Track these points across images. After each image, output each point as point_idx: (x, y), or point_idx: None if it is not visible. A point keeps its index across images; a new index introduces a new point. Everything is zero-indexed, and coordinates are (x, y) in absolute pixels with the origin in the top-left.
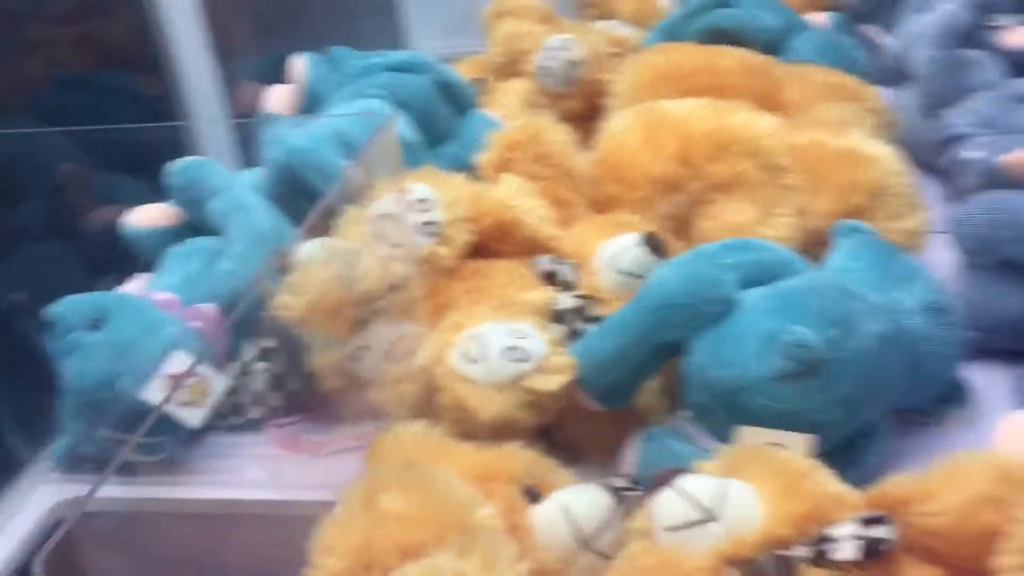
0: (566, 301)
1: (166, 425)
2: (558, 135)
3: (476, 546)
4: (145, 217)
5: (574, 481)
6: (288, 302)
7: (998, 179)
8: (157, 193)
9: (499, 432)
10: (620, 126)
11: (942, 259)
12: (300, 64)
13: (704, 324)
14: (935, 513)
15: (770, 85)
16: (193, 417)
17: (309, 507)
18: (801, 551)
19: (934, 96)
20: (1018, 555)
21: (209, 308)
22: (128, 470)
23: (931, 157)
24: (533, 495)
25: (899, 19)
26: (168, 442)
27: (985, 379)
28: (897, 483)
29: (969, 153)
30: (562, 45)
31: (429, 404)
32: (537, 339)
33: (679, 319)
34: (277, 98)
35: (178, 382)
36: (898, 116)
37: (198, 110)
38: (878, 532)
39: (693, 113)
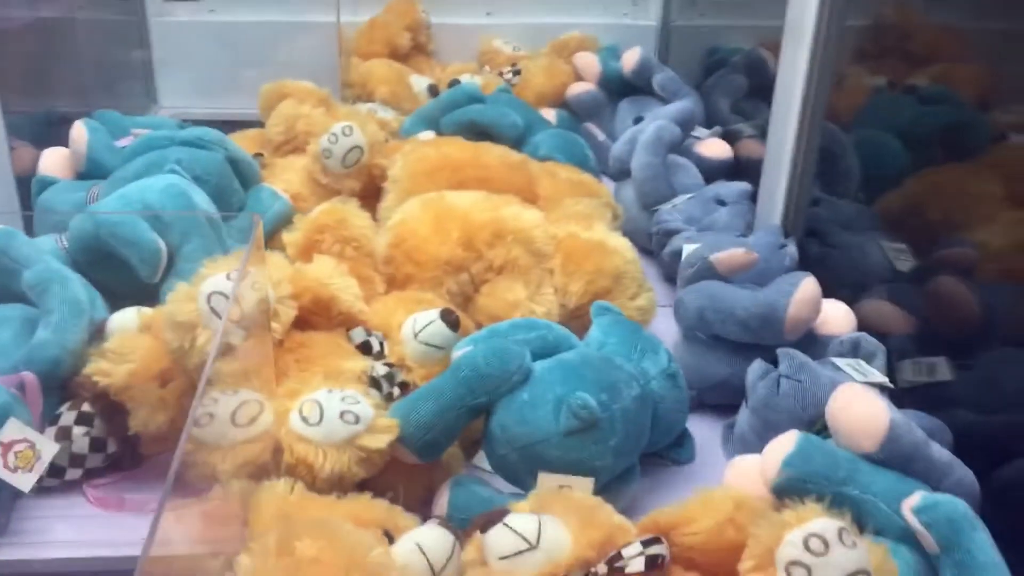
0: (379, 369)
1: None
2: (361, 219)
3: None
4: None
5: (417, 524)
6: (106, 369)
7: (709, 271)
8: None
9: (335, 485)
10: (410, 214)
11: (663, 329)
12: (80, 129)
13: (507, 391)
14: (694, 533)
15: (527, 180)
16: (24, 482)
17: (125, 562)
18: (602, 568)
19: (648, 195)
20: (754, 560)
21: (28, 375)
22: None
23: (647, 243)
24: (390, 537)
25: (612, 120)
26: None
27: (701, 428)
28: (663, 512)
29: (686, 247)
30: (344, 131)
31: (267, 464)
32: (365, 404)
33: (487, 387)
34: (52, 161)
35: (10, 449)
36: (621, 209)
37: None
38: (656, 550)
39: (474, 206)
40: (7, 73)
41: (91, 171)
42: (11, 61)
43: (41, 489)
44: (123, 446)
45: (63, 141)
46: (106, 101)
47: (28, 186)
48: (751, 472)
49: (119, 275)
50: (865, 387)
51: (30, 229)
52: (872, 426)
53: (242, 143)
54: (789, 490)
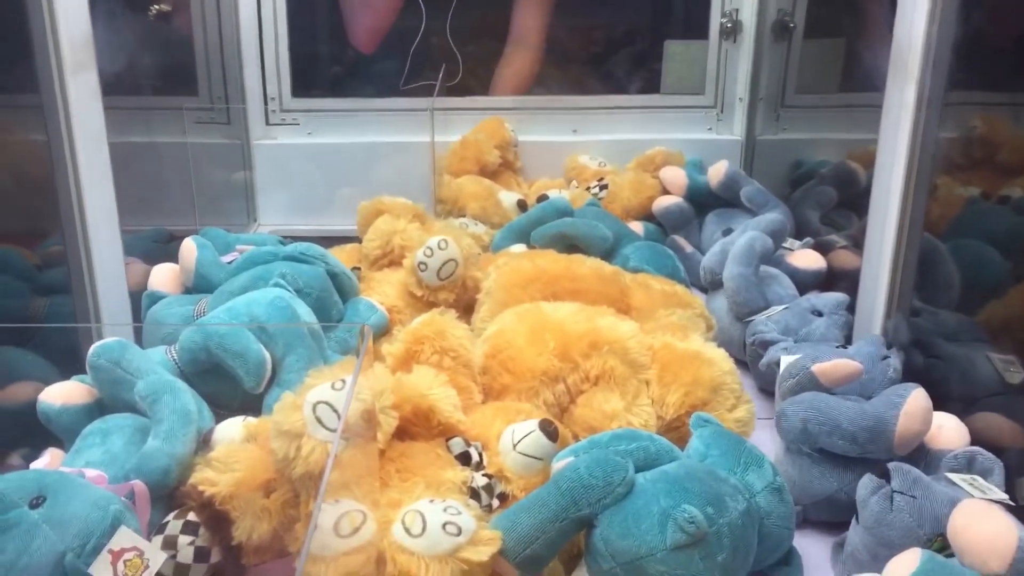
0: (479, 479)
1: None
2: (459, 330)
3: None
4: (61, 394)
5: None
6: (212, 478)
7: (811, 382)
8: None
9: None
10: (507, 325)
11: (761, 442)
12: (190, 246)
13: (610, 503)
14: None
15: (619, 291)
16: None
17: None
18: None
19: (742, 305)
20: None
21: (138, 484)
22: None
23: (740, 354)
24: None
25: (698, 232)
26: None
27: (808, 546)
28: None
29: (785, 358)
30: (439, 245)
31: (369, 575)
32: (467, 515)
33: (591, 499)
34: (163, 277)
35: (120, 557)
36: (714, 320)
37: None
38: None
39: (569, 317)
40: (124, 193)
41: (199, 285)
42: (127, 182)
43: None
44: (226, 556)
45: (172, 257)
46: (211, 219)
47: (139, 300)
48: None
49: (225, 386)
50: (989, 504)
51: (139, 341)
52: (1001, 545)
53: (340, 257)
54: None
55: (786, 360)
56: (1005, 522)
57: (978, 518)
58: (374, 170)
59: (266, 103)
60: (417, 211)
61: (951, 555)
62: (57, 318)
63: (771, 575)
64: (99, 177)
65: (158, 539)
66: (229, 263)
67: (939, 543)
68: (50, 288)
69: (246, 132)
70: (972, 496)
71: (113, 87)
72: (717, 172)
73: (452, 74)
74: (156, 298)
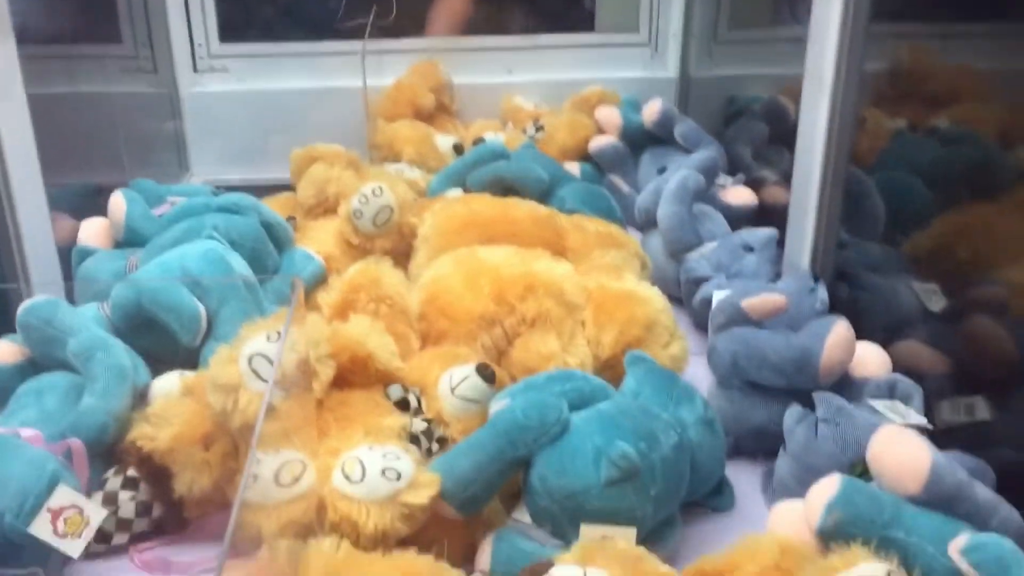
0: (418, 425)
1: (39, 556)
2: (394, 277)
3: None
4: None
5: None
6: (150, 433)
7: (740, 317)
8: None
9: (378, 542)
10: (443, 271)
11: (696, 377)
12: (118, 199)
13: (546, 443)
14: None
15: (555, 234)
16: (73, 548)
17: None
18: None
19: (675, 244)
20: None
21: (75, 442)
22: None
23: (676, 292)
24: None
25: (635, 171)
26: (39, 573)
27: (739, 475)
28: (708, 560)
29: (716, 294)
30: (374, 192)
31: (312, 523)
32: (406, 460)
33: (527, 439)
34: (92, 231)
35: (59, 515)
36: (649, 259)
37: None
38: None
39: (504, 261)
40: (47, 147)
41: (129, 240)
42: (50, 135)
43: (89, 555)
44: (168, 510)
45: (101, 211)
46: (142, 170)
47: (69, 256)
48: (794, 518)
49: (160, 341)
50: (905, 429)
51: (72, 298)
52: (915, 468)
53: (274, 207)
54: (834, 534)
55: (717, 296)
56: (919, 445)
57: (894, 443)
58: (307, 117)
59: (193, 49)
60: (351, 158)
61: (871, 480)
62: None
63: (705, 504)
64: (18, 129)
65: (98, 496)
66: (161, 216)
67: (861, 468)
68: None
69: (174, 80)
70: (893, 422)
71: (29, 35)
72: (651, 111)
73: (385, 14)
74: (86, 253)
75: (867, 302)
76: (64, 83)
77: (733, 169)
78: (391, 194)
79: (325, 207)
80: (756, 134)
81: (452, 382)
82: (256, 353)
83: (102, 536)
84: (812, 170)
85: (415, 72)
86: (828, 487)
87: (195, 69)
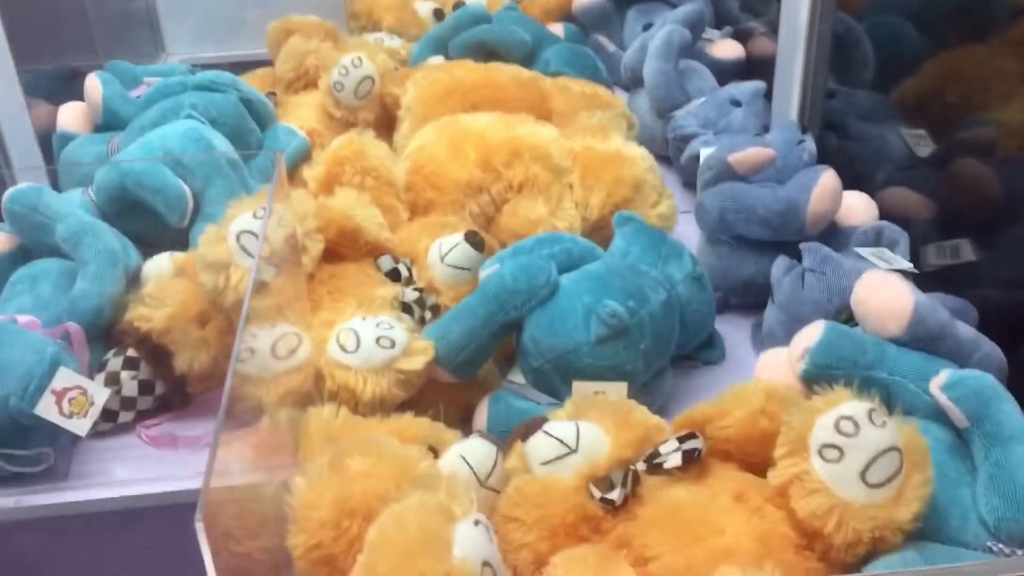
0: (409, 294)
1: (48, 437)
2: (379, 149)
3: (435, 485)
4: None
5: (459, 439)
6: (146, 314)
7: (727, 172)
8: None
9: (377, 408)
10: (427, 140)
11: (686, 234)
12: (94, 82)
13: (536, 305)
14: (728, 426)
15: (539, 97)
16: (80, 427)
17: (185, 496)
18: (641, 466)
19: (662, 102)
20: (787, 446)
21: (71, 326)
22: (10, 482)
23: (664, 151)
24: (434, 452)
25: (620, 30)
26: (49, 453)
27: (729, 328)
28: (697, 409)
29: (704, 151)
30: (353, 63)
31: (311, 392)
32: (399, 328)
33: (517, 302)
34: (71, 116)
35: (64, 396)
36: (635, 118)
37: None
38: (692, 444)
39: (489, 127)
40: (16, 32)
41: (109, 123)
42: (18, 19)
43: (97, 433)
44: (171, 387)
45: (78, 95)
46: (116, 52)
47: (50, 142)
48: (781, 364)
49: (147, 223)
50: (888, 272)
51: (56, 184)
52: (897, 309)
53: (253, 83)
54: (818, 377)
55: (704, 153)
56: (902, 287)
57: (877, 286)
58: None
59: None
60: (329, 29)
61: (856, 325)
62: None
63: (696, 357)
64: None
65: (100, 376)
66: (138, 97)
67: (846, 314)
68: None
69: None
70: (878, 267)
71: None
72: None
73: None
74: (67, 138)
75: (856, 151)
76: None
77: (720, 23)
78: (371, 64)
79: (305, 81)
80: None
81: (441, 251)
82: (243, 230)
83: (108, 415)
84: (799, 18)
85: None
86: (812, 332)
87: None
